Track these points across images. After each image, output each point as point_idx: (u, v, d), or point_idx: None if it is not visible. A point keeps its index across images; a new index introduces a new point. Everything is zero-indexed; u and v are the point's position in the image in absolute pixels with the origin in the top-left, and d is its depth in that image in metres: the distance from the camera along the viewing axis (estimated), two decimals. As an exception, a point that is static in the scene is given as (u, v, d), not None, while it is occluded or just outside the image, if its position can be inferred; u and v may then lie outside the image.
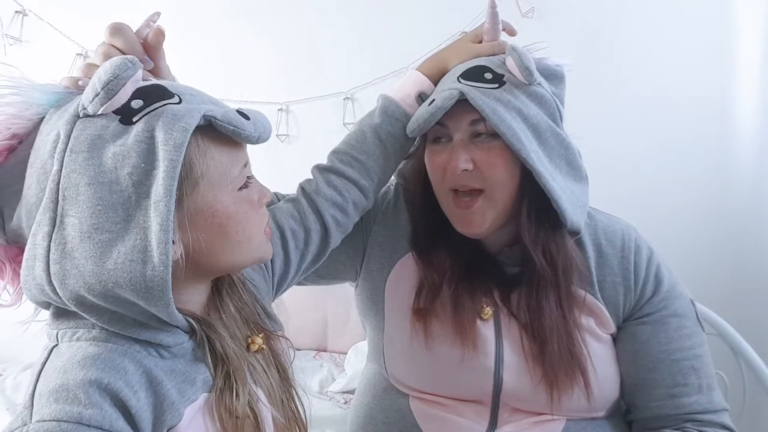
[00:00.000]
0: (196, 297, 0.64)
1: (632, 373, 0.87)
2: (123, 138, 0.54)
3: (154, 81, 0.61)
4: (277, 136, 2.15)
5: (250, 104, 1.98)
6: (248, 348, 0.67)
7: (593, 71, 1.89)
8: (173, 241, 0.56)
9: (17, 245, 0.59)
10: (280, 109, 2.16)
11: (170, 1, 2.14)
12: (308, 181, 0.86)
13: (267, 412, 0.65)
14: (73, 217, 0.53)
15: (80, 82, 0.59)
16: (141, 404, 0.54)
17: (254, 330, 0.69)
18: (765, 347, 1.20)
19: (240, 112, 0.60)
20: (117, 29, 0.63)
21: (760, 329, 1.58)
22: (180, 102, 0.57)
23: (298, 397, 0.72)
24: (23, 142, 0.59)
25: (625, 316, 0.88)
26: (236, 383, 0.61)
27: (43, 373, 0.55)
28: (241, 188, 0.62)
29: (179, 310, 0.58)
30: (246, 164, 0.64)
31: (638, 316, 0.87)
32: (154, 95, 0.57)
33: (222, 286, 0.69)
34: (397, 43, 2.03)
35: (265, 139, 0.63)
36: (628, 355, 0.87)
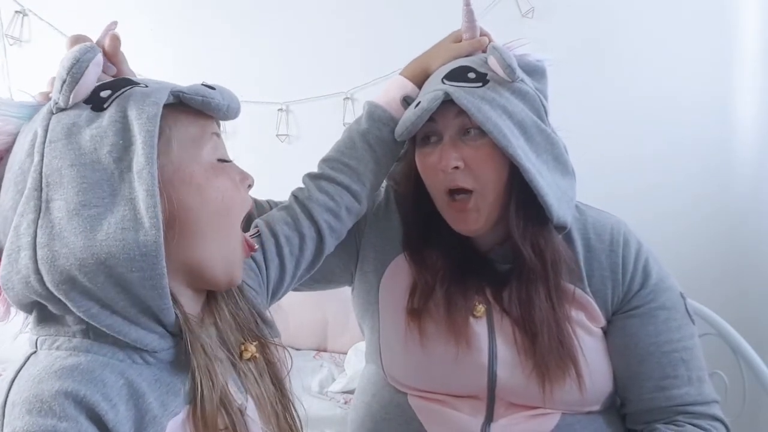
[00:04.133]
0: (192, 297, 0.63)
1: (623, 366, 0.87)
2: (97, 122, 0.56)
3: (118, 77, 0.63)
4: (277, 136, 2.15)
5: (251, 104, 1.98)
6: (241, 355, 0.66)
7: (593, 71, 1.89)
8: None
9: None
10: (280, 109, 2.16)
11: (170, 1, 2.15)
12: (300, 188, 0.86)
13: (254, 425, 0.63)
14: (58, 200, 0.53)
15: (51, 95, 0.60)
16: (119, 418, 0.52)
17: (248, 337, 0.68)
18: (765, 347, 1.20)
19: (205, 85, 0.61)
20: (76, 40, 0.63)
21: (760, 329, 1.58)
22: (147, 86, 0.59)
23: (295, 411, 0.70)
24: (2, 159, 0.59)
25: (614, 309, 0.88)
26: (207, 383, 0.58)
27: (16, 380, 0.53)
28: (219, 160, 0.63)
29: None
30: (218, 134, 0.64)
31: (627, 309, 0.88)
32: (121, 84, 0.59)
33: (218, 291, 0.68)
34: (397, 43, 2.03)
35: (234, 110, 0.64)
36: (618, 348, 0.88)
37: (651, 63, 1.89)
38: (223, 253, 0.63)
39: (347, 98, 2.10)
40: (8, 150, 0.59)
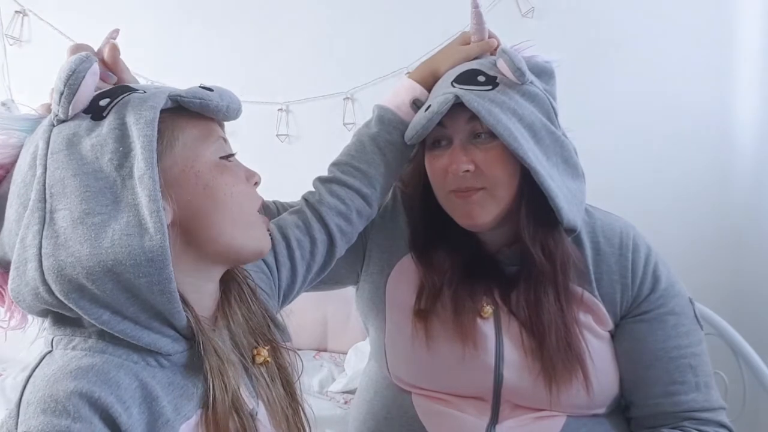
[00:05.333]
0: (202, 298, 0.63)
1: (630, 370, 0.87)
2: (97, 130, 0.56)
3: (118, 85, 0.63)
4: (277, 136, 2.15)
5: (251, 104, 1.98)
6: (253, 359, 0.66)
7: (593, 70, 1.89)
8: (164, 207, 0.56)
9: (8, 272, 0.58)
10: (280, 109, 2.16)
11: (170, 2, 2.15)
12: (311, 192, 0.86)
13: (264, 430, 0.64)
14: (63, 210, 0.53)
15: (53, 107, 0.60)
16: (132, 421, 0.53)
17: (261, 341, 0.68)
18: (765, 347, 1.20)
19: (203, 87, 0.61)
20: (77, 49, 0.64)
21: (760, 329, 1.58)
22: (145, 92, 0.59)
23: (305, 415, 0.70)
24: (9, 171, 0.60)
25: (623, 313, 0.88)
26: (220, 386, 0.59)
27: (31, 379, 0.54)
28: (222, 158, 0.63)
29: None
30: (224, 139, 0.64)
31: (636, 313, 0.88)
32: (119, 91, 0.59)
33: (231, 293, 0.68)
34: (397, 43, 2.03)
35: (234, 110, 0.64)
36: (626, 352, 0.87)
37: (651, 59, 1.89)
38: (244, 233, 0.63)
39: (347, 98, 2.10)
40: (12, 163, 0.60)
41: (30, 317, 0.60)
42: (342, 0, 2.09)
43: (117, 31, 0.67)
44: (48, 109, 0.61)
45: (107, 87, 0.63)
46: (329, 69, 2.12)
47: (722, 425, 0.85)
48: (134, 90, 0.59)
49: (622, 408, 0.92)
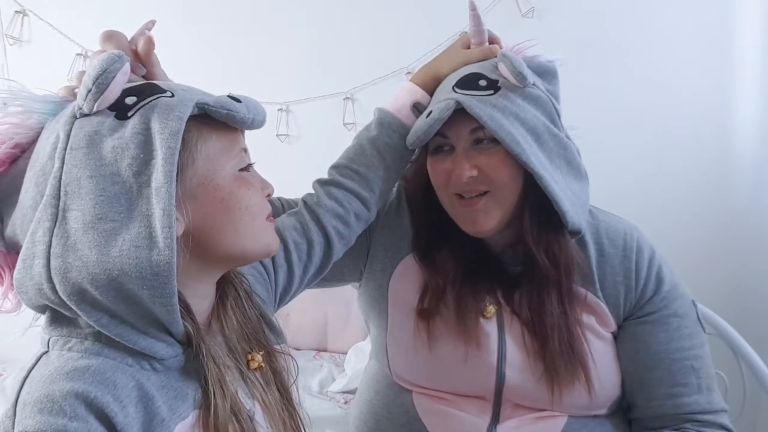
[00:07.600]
0: (200, 301, 0.63)
1: (632, 372, 0.87)
2: (120, 131, 0.55)
3: (146, 81, 0.62)
4: (277, 136, 2.15)
5: (250, 104, 1.98)
6: (248, 365, 0.66)
7: (593, 70, 1.89)
8: (176, 218, 0.56)
9: (16, 253, 0.59)
10: (280, 109, 2.16)
11: (170, 1, 2.15)
12: (309, 194, 0.86)
13: (262, 431, 0.64)
14: (75, 210, 0.53)
15: (76, 91, 0.59)
16: (129, 420, 0.53)
17: (255, 346, 0.68)
18: (765, 347, 1.20)
19: (231, 97, 0.61)
20: (110, 36, 0.63)
21: (760, 329, 1.58)
22: (173, 96, 0.58)
23: (301, 420, 0.71)
24: (25, 151, 0.59)
25: (626, 315, 0.88)
26: (220, 393, 0.60)
27: (28, 380, 0.54)
28: (241, 170, 0.63)
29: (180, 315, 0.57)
30: (245, 150, 0.64)
31: (639, 315, 0.88)
32: (147, 91, 0.58)
33: (227, 298, 0.68)
34: (397, 43, 2.03)
35: (260, 122, 0.63)
36: (629, 354, 0.88)
37: (651, 59, 1.89)
38: (251, 236, 0.63)
39: (347, 98, 2.10)
40: (31, 143, 0.59)
41: (22, 304, 0.60)
42: (342, 0, 2.09)
43: (153, 22, 0.66)
44: (71, 92, 0.60)
45: (136, 79, 0.62)
46: (329, 69, 2.11)
47: (723, 427, 0.85)
48: (162, 91, 0.58)
49: (623, 409, 0.92)
